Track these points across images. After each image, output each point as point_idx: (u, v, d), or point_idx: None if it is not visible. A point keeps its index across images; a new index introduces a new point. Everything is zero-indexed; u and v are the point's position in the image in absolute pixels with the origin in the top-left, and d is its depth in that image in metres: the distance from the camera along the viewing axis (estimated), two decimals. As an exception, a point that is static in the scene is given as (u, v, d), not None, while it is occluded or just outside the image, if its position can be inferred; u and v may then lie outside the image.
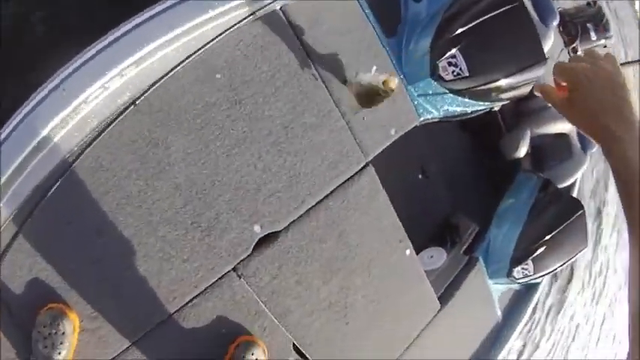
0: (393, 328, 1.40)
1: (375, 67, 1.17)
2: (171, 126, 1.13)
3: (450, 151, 1.88)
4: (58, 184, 1.05)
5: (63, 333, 1.04)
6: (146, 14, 1.11)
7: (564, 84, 0.58)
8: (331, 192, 1.26)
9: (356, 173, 1.31)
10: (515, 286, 2.00)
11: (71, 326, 1.05)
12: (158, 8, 1.12)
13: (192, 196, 1.14)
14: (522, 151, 2.06)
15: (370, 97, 1.16)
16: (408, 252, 1.39)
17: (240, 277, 1.15)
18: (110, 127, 1.09)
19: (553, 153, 2.17)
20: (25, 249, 1.06)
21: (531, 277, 1.86)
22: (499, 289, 1.87)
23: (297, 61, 1.25)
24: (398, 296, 1.38)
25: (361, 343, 1.34)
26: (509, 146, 2.06)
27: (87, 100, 1.05)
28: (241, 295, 1.16)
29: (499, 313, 1.89)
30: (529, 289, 2.07)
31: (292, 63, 1.24)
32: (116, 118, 1.09)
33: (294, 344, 1.24)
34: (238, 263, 1.15)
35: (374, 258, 1.31)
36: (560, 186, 2.06)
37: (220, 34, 1.16)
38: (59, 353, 1.04)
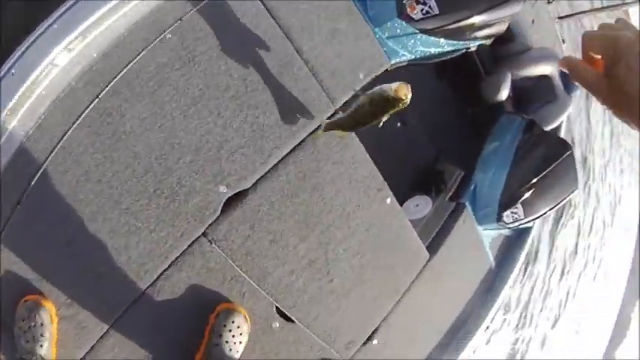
0: (382, 281, 1.35)
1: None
2: (124, 92, 1.04)
3: (428, 98, 1.79)
4: (9, 170, 0.96)
5: (42, 324, 0.99)
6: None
7: (598, 57, 0.46)
8: (299, 143, 1.18)
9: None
10: (506, 232, 1.96)
11: (48, 316, 1.01)
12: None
13: (151, 162, 1.05)
14: (503, 94, 1.99)
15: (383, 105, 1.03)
16: (388, 200, 1.32)
17: (211, 243, 1.08)
18: (62, 104, 1.01)
19: (536, 95, 2.11)
20: None
21: (522, 222, 1.82)
22: (490, 235, 1.83)
23: (253, 10, 1.14)
24: (383, 248, 1.33)
25: (349, 301, 1.29)
26: (490, 90, 1.98)
27: (37, 80, 0.97)
28: (214, 261, 1.09)
29: (491, 259, 1.86)
30: (521, 234, 2.03)
31: (248, 14, 1.14)
32: (68, 95, 1.00)
33: (276, 307, 1.18)
34: (207, 227, 1.07)
35: (353, 210, 1.24)
36: (546, 129, 2.00)
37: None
38: (41, 346, 0.99)
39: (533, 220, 1.85)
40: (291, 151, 1.16)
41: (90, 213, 1.02)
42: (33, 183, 1.00)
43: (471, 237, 1.70)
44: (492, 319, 1.93)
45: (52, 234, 1.01)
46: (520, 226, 1.88)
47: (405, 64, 1.50)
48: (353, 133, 1.26)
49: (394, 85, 1.00)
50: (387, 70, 1.40)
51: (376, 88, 1.03)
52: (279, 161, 1.14)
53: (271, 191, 1.12)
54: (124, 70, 1.05)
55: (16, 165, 1.00)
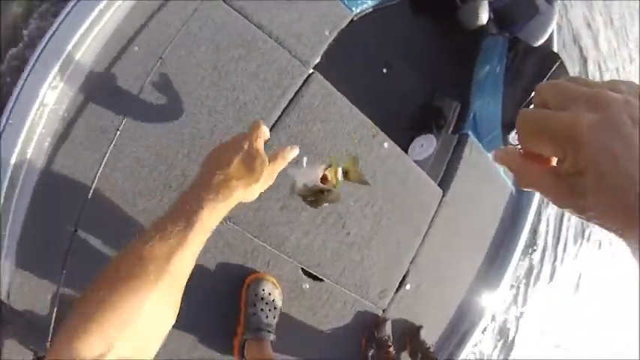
0: (400, 225, 1.36)
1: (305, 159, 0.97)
2: (112, 109, 1.10)
3: (408, 38, 1.77)
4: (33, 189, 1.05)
5: None
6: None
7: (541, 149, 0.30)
8: (283, 111, 1.20)
9: (303, 85, 1.24)
10: (520, 154, 1.90)
11: None
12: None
13: (153, 162, 1.11)
14: (483, 17, 1.93)
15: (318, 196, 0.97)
16: (386, 145, 1.32)
17: (225, 221, 1.12)
18: (63, 135, 1.08)
19: (516, 13, 2.03)
20: (32, 273, 1.08)
21: None
22: (502, 161, 1.78)
23: (205, 3, 1.18)
24: (393, 192, 1.33)
25: (371, 250, 1.31)
26: (468, 16, 1.92)
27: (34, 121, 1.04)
28: (233, 237, 1.14)
29: (510, 184, 1.81)
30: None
31: (201, 8, 1.17)
32: (67, 125, 1.08)
33: (302, 269, 1.22)
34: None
35: (352, 160, 1.25)
36: (536, 45, 1.92)
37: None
38: None
39: None
40: (277, 119, 1.19)
41: (112, 220, 1.09)
42: (49, 200, 1.07)
43: (481, 166, 1.67)
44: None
45: (80, 246, 1.06)
46: None
47: (370, 9, 1.49)
48: (333, 88, 1.27)
49: (319, 174, 0.85)
50: (353, 20, 1.39)
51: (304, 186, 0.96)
52: (271, 129, 1.17)
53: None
54: (109, 89, 1.11)
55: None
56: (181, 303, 1.08)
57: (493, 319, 2.81)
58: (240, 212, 1.14)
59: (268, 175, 0.58)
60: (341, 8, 1.35)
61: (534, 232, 3.04)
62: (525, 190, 0.33)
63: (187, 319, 1.14)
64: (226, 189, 0.52)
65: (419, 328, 1.48)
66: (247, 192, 0.55)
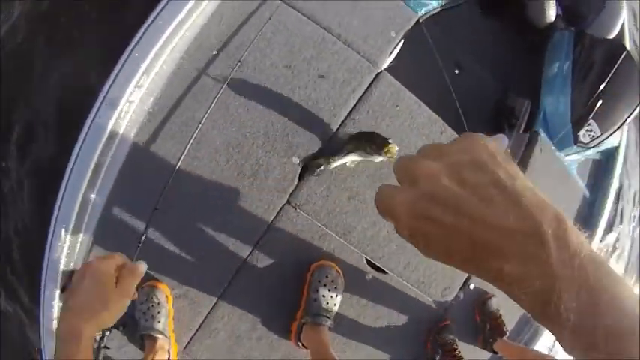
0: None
1: None
2: (193, 105, 1.21)
3: (476, 38, 1.74)
4: (118, 172, 1.18)
5: (158, 303, 1.14)
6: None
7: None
8: (353, 107, 1.24)
9: (372, 83, 1.27)
10: (590, 154, 1.76)
11: (164, 296, 1.17)
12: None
13: (230, 152, 1.20)
14: (551, 14, 1.84)
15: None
16: (453, 141, 1.30)
17: (295, 208, 1.18)
18: (147, 128, 1.21)
19: (584, 7, 1.91)
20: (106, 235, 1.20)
21: (601, 138, 1.63)
22: (575, 161, 1.66)
23: (275, 9, 1.26)
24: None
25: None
26: (536, 14, 1.85)
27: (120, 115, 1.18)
28: (301, 224, 1.19)
29: (582, 185, 1.68)
30: (608, 155, 1.81)
31: (275, 14, 1.26)
32: (149, 120, 1.21)
33: (367, 259, 1.23)
34: (289, 196, 1.18)
35: (419, 155, 1.25)
36: (610, 37, 1.79)
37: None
38: (159, 322, 1.13)
39: (612, 133, 1.65)
40: (347, 115, 1.23)
41: (187, 206, 1.19)
42: (132, 185, 1.18)
43: (553, 165, 1.57)
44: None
45: (155, 225, 1.13)
46: (602, 144, 1.68)
47: (438, 10, 1.49)
48: (401, 86, 1.28)
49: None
50: (419, 21, 1.40)
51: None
52: (339, 126, 1.21)
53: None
54: (192, 88, 1.23)
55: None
56: (248, 284, 1.11)
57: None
58: (309, 200, 1.19)
59: (121, 296, 0.58)
60: (406, 11, 1.37)
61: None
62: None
63: (250, 301, 1.20)
64: (76, 334, 0.54)
65: (490, 297, 1.40)
66: (100, 322, 0.56)
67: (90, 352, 0.55)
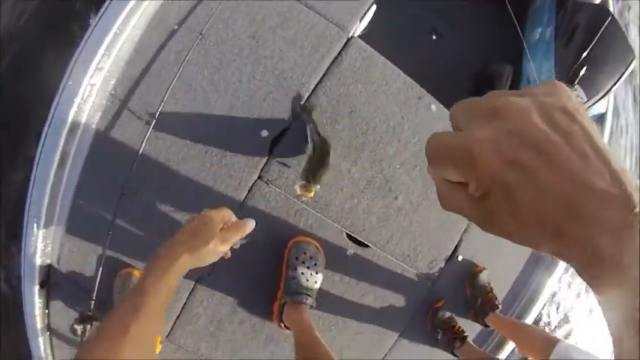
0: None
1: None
2: (156, 83, 1.13)
3: (453, 3, 1.65)
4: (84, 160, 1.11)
5: None
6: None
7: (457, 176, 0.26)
8: (323, 75, 1.16)
9: (342, 49, 1.19)
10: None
11: None
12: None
13: (195, 130, 1.12)
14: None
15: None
16: (433, 107, 1.23)
17: (267, 184, 1.10)
18: (109, 112, 1.13)
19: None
20: (81, 238, 1.14)
21: (588, 104, 1.58)
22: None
23: None
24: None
25: (420, 216, 1.22)
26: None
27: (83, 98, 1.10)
28: (275, 200, 1.11)
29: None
30: (597, 119, 1.74)
31: None
32: (112, 103, 1.13)
33: (347, 234, 1.16)
34: (261, 171, 1.10)
35: (397, 123, 1.18)
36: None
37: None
38: None
39: (599, 100, 1.60)
40: (318, 83, 1.15)
41: (156, 189, 1.11)
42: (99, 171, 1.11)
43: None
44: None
45: (131, 214, 1.10)
46: (590, 111, 1.63)
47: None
48: (374, 51, 1.20)
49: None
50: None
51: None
52: (310, 95, 1.13)
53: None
54: (153, 66, 1.14)
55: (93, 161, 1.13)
56: (222, 267, 1.06)
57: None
58: (282, 175, 1.11)
59: (220, 243, 0.62)
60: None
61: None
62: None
63: (228, 284, 1.13)
64: (170, 255, 0.58)
65: (480, 270, 1.34)
66: (194, 257, 0.60)
67: (177, 280, 0.58)
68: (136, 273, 1.12)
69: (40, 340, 1.18)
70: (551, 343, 1.06)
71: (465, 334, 1.25)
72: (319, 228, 1.13)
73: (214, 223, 0.64)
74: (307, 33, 1.19)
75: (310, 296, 1.06)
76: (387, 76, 1.21)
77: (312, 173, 1.00)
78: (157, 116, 1.09)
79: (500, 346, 1.46)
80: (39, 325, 1.17)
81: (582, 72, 1.52)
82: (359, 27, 1.28)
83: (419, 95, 1.24)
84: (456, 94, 1.55)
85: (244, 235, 0.68)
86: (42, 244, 1.13)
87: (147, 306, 0.53)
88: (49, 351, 1.21)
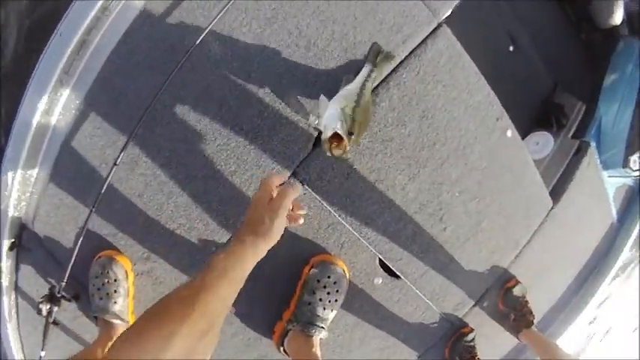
0: (500, 232, 1.02)
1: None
2: (185, 22, 0.81)
3: (539, 21, 1.38)
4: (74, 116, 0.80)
5: (115, 280, 0.85)
6: None
7: None
8: (401, 62, 0.87)
9: (428, 37, 0.89)
10: (629, 182, 1.50)
11: (123, 271, 0.86)
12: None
13: (225, 96, 0.82)
14: (617, 17, 1.50)
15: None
16: (509, 133, 0.97)
17: (302, 184, 0.83)
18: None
19: (651, 18, 1.56)
20: (62, 203, 0.87)
21: None
22: (613, 184, 1.39)
23: None
24: (504, 191, 0.99)
25: (463, 254, 0.98)
26: (601, 12, 1.50)
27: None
28: (308, 206, 0.84)
29: (614, 212, 1.42)
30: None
31: None
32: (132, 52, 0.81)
33: (380, 260, 0.92)
34: (298, 166, 0.83)
35: (469, 142, 0.92)
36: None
37: None
38: (115, 302, 0.85)
39: None
40: (392, 71, 0.86)
41: (162, 158, 0.83)
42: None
43: (595, 184, 1.28)
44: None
45: (122, 185, 0.85)
46: None
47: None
48: (463, 49, 0.92)
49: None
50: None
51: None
52: (379, 84, 0.85)
53: (372, 120, 0.84)
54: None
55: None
56: None
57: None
58: (323, 176, 0.84)
59: (275, 217, 0.59)
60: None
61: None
62: None
63: None
64: (255, 245, 0.57)
65: (514, 284, 1.11)
66: (267, 241, 0.59)
67: (254, 262, 0.58)
68: (119, 259, 0.86)
69: (5, 299, 0.94)
70: None
71: None
72: (350, 248, 0.88)
73: (265, 197, 0.59)
74: (392, 6, 0.88)
75: (324, 328, 0.82)
76: (471, 84, 0.92)
77: (358, 127, 0.70)
78: (178, 67, 0.78)
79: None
80: (5, 283, 0.93)
81: None
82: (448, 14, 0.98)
83: (498, 115, 0.97)
84: (521, 114, 1.31)
85: (293, 198, 0.60)
86: (16, 199, 0.86)
87: (232, 294, 0.53)
88: (13, 312, 0.97)
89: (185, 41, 0.81)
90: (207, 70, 0.82)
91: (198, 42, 0.78)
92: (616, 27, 1.52)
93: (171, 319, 0.45)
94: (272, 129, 0.82)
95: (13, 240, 0.92)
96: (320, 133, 0.83)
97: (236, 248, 0.55)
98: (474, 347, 1.07)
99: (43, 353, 0.82)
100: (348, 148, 0.68)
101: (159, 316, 0.47)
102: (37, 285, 0.94)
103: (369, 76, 0.78)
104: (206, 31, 0.77)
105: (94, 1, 0.78)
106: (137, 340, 0.44)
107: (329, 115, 0.71)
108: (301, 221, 0.63)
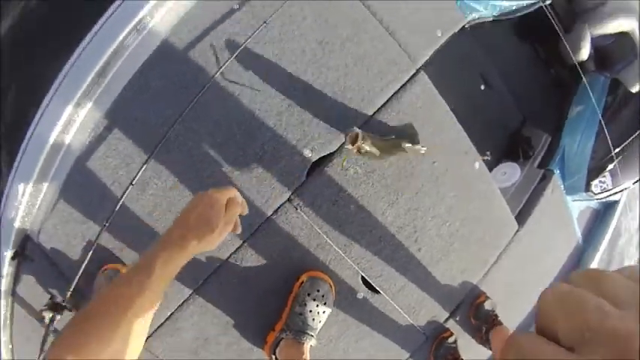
0: (469, 252, 1.15)
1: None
2: (198, 64, 0.94)
3: (510, 60, 1.54)
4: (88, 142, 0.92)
5: None
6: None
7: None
8: (383, 104, 1.00)
9: (407, 81, 1.03)
10: (594, 205, 1.64)
11: None
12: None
13: (232, 130, 0.95)
14: (584, 52, 1.66)
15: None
16: (477, 165, 1.11)
17: (296, 209, 0.95)
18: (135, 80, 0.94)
19: (617, 54, 1.75)
20: (71, 217, 0.96)
21: (610, 192, 1.53)
22: (577, 208, 1.53)
23: None
24: (472, 216, 1.12)
25: (436, 272, 1.10)
26: (571, 48, 1.67)
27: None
28: (300, 228, 0.96)
29: (579, 234, 1.56)
30: (607, 208, 1.69)
31: None
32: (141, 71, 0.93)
33: (362, 277, 1.03)
34: (293, 193, 0.95)
35: (441, 173, 1.05)
36: (633, 90, 1.65)
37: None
38: None
39: (622, 190, 1.55)
40: (375, 112, 1.00)
41: (172, 181, 0.94)
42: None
43: (559, 208, 1.42)
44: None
45: (137, 205, 0.94)
46: (608, 198, 1.58)
47: (480, 21, 1.27)
48: (437, 93, 1.06)
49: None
50: (464, 27, 1.17)
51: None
52: (364, 123, 0.98)
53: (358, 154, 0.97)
54: (194, 45, 0.95)
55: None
56: (227, 285, 0.99)
57: None
58: (315, 202, 0.96)
59: (225, 223, 0.58)
60: (455, 12, 1.13)
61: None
62: None
63: (226, 303, 0.97)
64: (180, 241, 0.54)
65: (483, 300, 1.20)
66: (203, 244, 0.55)
67: (181, 266, 0.55)
68: (124, 271, 0.95)
69: (2, 302, 1.00)
70: None
71: None
72: (336, 266, 0.99)
73: (220, 205, 0.57)
74: (377, 55, 1.02)
75: (313, 336, 0.93)
76: (444, 123, 1.07)
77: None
78: (193, 102, 0.91)
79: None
80: (3, 287, 0.99)
81: (615, 162, 1.47)
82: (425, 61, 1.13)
83: (466, 149, 1.11)
84: (490, 148, 1.47)
85: (244, 210, 0.62)
86: (24, 210, 0.95)
87: (153, 285, 0.50)
88: (8, 314, 1.03)
89: (199, 79, 0.94)
90: (217, 107, 0.94)
91: (211, 82, 0.91)
92: (583, 62, 1.70)
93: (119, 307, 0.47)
94: (271, 161, 0.94)
95: (15, 250, 0.98)
96: (313, 165, 0.96)
97: (179, 250, 0.53)
98: (455, 348, 1.17)
99: None
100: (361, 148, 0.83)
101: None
102: (36, 295, 0.99)
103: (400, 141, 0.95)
104: (220, 71, 0.89)
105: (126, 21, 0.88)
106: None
107: None
108: (238, 231, 0.62)
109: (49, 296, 0.93)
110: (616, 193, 1.55)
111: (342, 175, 0.96)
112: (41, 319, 0.87)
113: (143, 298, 0.49)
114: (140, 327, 0.49)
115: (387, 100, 1.01)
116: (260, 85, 0.96)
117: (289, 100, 0.96)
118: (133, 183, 0.89)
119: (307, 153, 0.94)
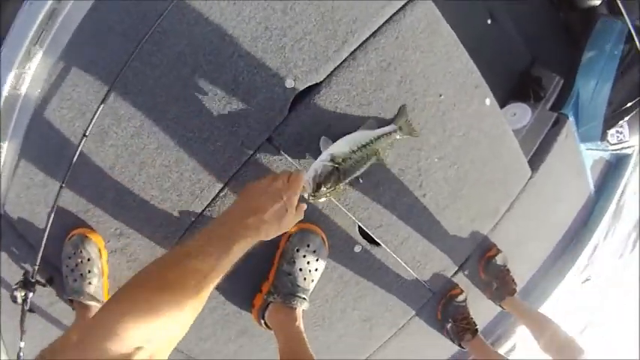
0: (479, 199, 1.03)
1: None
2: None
3: None
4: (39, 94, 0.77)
5: (89, 259, 0.82)
6: None
7: None
8: (379, 28, 0.84)
9: (407, 3, 0.87)
10: (606, 156, 1.52)
11: (96, 250, 0.83)
12: None
13: (199, 61, 0.79)
14: (597, -5, 1.49)
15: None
16: (487, 101, 0.96)
17: (278, 149, 0.81)
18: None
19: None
20: (32, 182, 0.84)
21: (624, 144, 1.42)
22: (591, 157, 1.41)
23: None
24: (482, 158, 0.99)
25: (442, 221, 0.99)
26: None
27: None
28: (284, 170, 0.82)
29: (591, 185, 1.44)
30: (620, 160, 1.57)
31: None
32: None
33: (359, 227, 0.91)
34: (273, 131, 0.81)
35: (448, 109, 0.91)
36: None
37: None
38: (90, 283, 0.82)
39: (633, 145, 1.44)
40: (370, 36, 0.84)
41: (133, 128, 0.80)
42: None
43: (573, 155, 1.29)
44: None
45: (96, 158, 0.81)
46: (622, 150, 1.47)
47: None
48: (442, 17, 0.90)
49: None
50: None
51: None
52: (357, 48, 0.82)
53: (349, 84, 0.82)
54: None
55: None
56: None
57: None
58: (298, 142, 0.82)
59: (295, 216, 0.62)
60: None
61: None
62: None
63: None
64: (257, 231, 0.57)
65: (494, 254, 1.12)
66: (272, 234, 0.60)
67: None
68: (92, 236, 0.83)
69: None
70: (573, 349, 0.92)
71: (477, 327, 1.06)
72: (328, 215, 0.87)
73: (295, 213, 0.62)
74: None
75: (305, 299, 0.82)
76: (450, 52, 0.91)
77: (345, 173, 0.73)
78: (150, 31, 0.75)
79: (503, 336, 1.32)
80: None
81: (635, 111, 1.35)
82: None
83: (476, 83, 0.96)
84: (499, 86, 1.32)
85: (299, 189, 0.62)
86: None
87: (227, 265, 0.54)
88: None
89: (157, 7, 0.77)
90: (179, 36, 0.78)
91: (170, 7, 0.75)
92: (594, 7, 1.53)
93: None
94: (247, 94, 0.80)
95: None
96: (297, 96, 0.81)
97: (253, 236, 0.56)
98: (465, 307, 1.08)
99: (22, 344, 0.78)
100: (309, 197, 0.71)
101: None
102: (10, 272, 0.90)
103: (389, 134, 0.80)
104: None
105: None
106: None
107: (317, 162, 0.73)
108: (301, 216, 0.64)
109: (22, 272, 0.83)
110: (629, 146, 1.44)
111: (331, 109, 0.81)
112: (14, 299, 0.78)
113: (217, 275, 0.52)
114: (204, 301, 0.51)
115: (384, 23, 0.85)
116: (231, 5, 0.79)
117: (266, 22, 0.80)
118: (87, 134, 0.76)
119: (289, 83, 0.79)
